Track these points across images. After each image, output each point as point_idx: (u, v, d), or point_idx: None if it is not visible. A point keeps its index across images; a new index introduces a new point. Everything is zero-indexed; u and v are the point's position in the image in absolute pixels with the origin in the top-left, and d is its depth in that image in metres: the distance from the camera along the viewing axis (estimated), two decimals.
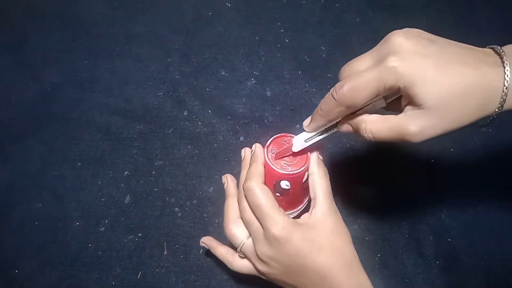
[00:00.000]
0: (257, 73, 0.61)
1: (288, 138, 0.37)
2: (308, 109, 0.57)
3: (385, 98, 0.31)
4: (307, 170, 0.36)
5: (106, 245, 0.49)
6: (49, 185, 0.53)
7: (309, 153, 0.36)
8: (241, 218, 0.36)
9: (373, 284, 0.33)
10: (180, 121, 0.57)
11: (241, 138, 0.56)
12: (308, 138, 0.35)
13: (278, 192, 0.36)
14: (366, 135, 0.30)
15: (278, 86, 0.60)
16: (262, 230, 0.34)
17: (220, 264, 0.47)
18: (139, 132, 0.56)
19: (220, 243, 0.41)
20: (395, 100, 0.31)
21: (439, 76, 0.26)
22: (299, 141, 0.35)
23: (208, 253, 0.41)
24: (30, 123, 0.58)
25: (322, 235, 0.33)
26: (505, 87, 0.26)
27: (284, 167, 0.35)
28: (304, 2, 0.67)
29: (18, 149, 0.56)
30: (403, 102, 0.29)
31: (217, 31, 0.65)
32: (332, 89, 0.30)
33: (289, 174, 0.35)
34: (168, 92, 0.60)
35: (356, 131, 0.31)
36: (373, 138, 0.30)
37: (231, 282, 0.47)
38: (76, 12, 0.68)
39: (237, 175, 0.51)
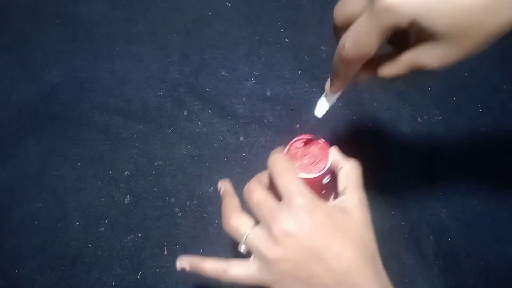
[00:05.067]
0: (257, 73, 0.61)
1: (297, 141, 0.36)
2: (308, 109, 0.57)
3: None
4: (327, 174, 0.34)
5: (106, 245, 0.49)
6: (49, 185, 0.53)
7: (329, 154, 0.35)
8: (252, 200, 0.31)
9: None
10: (180, 121, 0.57)
11: (241, 138, 0.56)
12: (330, 99, 0.34)
13: None
14: (382, 77, 0.28)
15: (278, 86, 0.59)
16: (280, 205, 0.29)
17: None
18: (139, 132, 0.56)
19: (204, 257, 0.34)
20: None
21: (446, 3, 0.22)
22: (323, 105, 0.34)
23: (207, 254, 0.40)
24: (30, 123, 0.58)
25: (351, 221, 0.30)
26: None
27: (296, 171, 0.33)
28: (304, 2, 0.67)
29: (18, 149, 0.56)
30: (411, 34, 0.26)
31: (217, 31, 0.65)
32: (336, 50, 0.27)
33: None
34: (168, 92, 0.60)
35: (373, 75, 0.30)
36: (390, 78, 0.28)
37: None
38: (76, 12, 0.68)
39: (237, 175, 0.52)
